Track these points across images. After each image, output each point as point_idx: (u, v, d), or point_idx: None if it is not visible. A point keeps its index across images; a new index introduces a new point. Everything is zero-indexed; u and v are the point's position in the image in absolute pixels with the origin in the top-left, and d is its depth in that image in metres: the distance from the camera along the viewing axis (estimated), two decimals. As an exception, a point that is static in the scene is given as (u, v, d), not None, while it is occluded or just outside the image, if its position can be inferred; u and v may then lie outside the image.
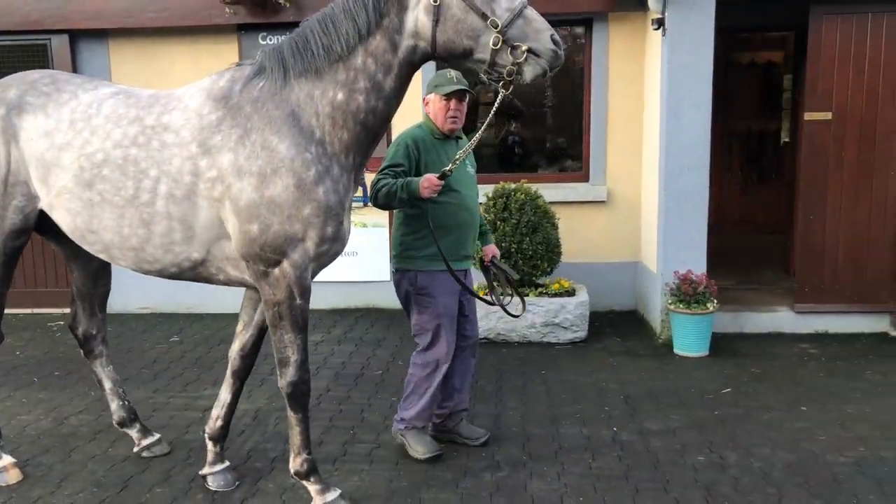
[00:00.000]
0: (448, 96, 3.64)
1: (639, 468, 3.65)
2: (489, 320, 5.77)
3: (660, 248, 5.72)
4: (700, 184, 5.56)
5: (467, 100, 3.71)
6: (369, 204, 3.84)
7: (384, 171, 3.58)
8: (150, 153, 3.15)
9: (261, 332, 3.53)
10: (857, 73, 5.60)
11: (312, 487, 3.28)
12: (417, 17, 2.97)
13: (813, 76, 5.66)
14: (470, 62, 3.02)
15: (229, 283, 3.31)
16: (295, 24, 3.27)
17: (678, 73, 5.45)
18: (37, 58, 6.68)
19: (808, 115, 5.71)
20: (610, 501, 3.34)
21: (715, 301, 5.43)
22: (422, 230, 3.62)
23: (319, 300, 6.77)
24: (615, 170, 6.57)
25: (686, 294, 5.36)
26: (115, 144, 3.20)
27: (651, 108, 6.06)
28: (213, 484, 3.51)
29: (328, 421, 4.33)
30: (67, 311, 4.52)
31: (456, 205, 3.66)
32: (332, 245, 3.15)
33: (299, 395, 3.22)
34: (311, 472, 3.28)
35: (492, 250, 4.00)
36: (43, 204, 3.39)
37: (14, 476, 3.62)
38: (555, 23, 6.16)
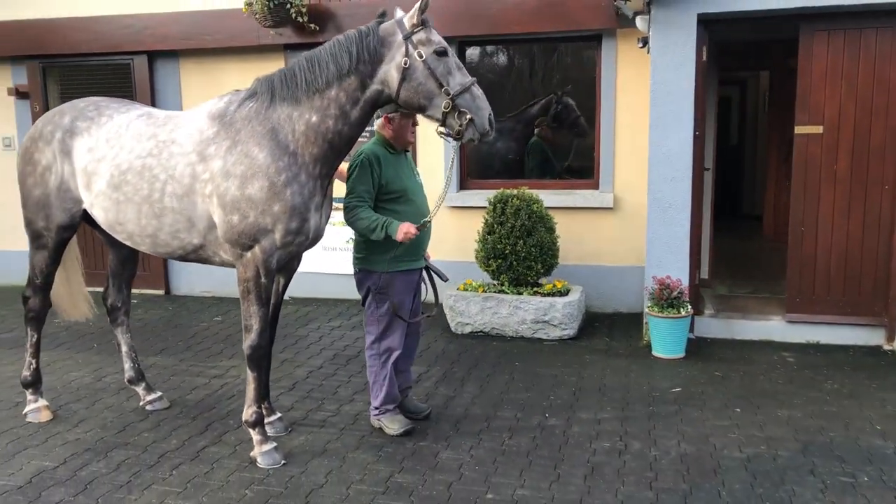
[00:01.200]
0: (408, 116, 4.21)
1: (544, 448, 4.11)
2: (484, 315, 6.30)
3: (647, 253, 6.02)
4: (682, 194, 5.83)
5: None
6: None
7: (357, 196, 4.08)
8: (161, 161, 3.98)
9: (276, 310, 4.26)
10: (849, 87, 5.67)
11: (255, 437, 3.99)
12: (389, 71, 3.72)
13: (804, 90, 5.79)
14: (423, 115, 3.83)
15: (223, 264, 4.08)
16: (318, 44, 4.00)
17: (660, 89, 5.75)
18: (123, 74, 7.85)
19: (798, 129, 5.84)
20: (501, 471, 3.84)
21: (689, 306, 5.70)
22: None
23: (326, 290, 7.58)
24: (622, 178, 6.90)
25: (661, 298, 5.67)
26: (136, 156, 4.05)
27: (650, 121, 6.36)
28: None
29: (306, 392, 5.04)
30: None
31: (412, 213, 4.19)
32: (295, 237, 3.86)
33: (256, 357, 3.95)
34: (256, 423, 3.99)
35: (427, 254, 4.51)
36: (86, 204, 4.30)
37: (45, 416, 4.58)
38: (566, 39, 6.66)
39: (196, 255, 4.12)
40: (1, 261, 8.48)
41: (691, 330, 6.11)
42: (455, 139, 3.77)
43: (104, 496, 3.63)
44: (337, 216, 7.42)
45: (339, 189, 4.36)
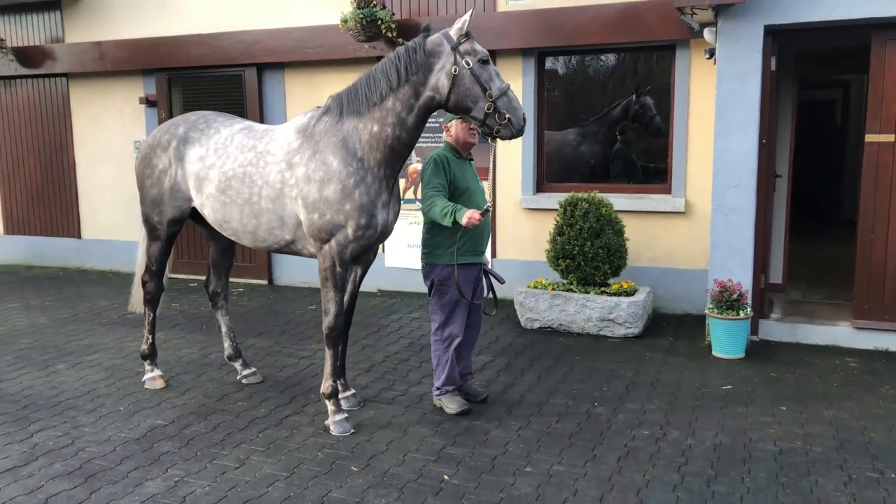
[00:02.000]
0: (465, 120, 4.70)
1: (587, 432, 4.48)
2: (552, 311, 6.67)
3: (710, 257, 6.22)
4: (746, 200, 5.99)
5: None
6: None
7: (432, 187, 4.60)
8: (259, 169, 4.65)
9: (353, 297, 4.87)
10: (921, 95, 5.67)
11: (329, 408, 4.57)
12: (440, 78, 4.26)
13: (875, 99, 5.83)
14: (468, 116, 4.36)
15: (311, 256, 4.69)
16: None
17: (726, 98, 5.94)
18: (235, 84, 8.72)
19: (869, 137, 5.88)
20: (543, 450, 4.24)
21: (749, 308, 5.87)
22: (444, 233, 4.71)
23: (410, 285, 8.12)
24: (694, 183, 7.08)
25: (720, 300, 5.87)
26: (239, 165, 4.74)
27: (720, 128, 6.54)
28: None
29: (380, 374, 5.60)
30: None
31: (476, 208, 4.66)
32: (365, 231, 4.42)
33: (332, 337, 4.53)
34: (331, 395, 4.56)
35: (485, 258, 4.95)
36: (196, 204, 5.02)
37: (159, 384, 5.35)
38: (641, 49, 6.94)
39: (288, 249, 4.76)
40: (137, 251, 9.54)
41: (755, 332, 6.27)
42: (493, 137, 4.29)
43: (202, 450, 4.29)
44: (420, 216, 8.02)
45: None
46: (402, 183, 8.06)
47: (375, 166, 4.39)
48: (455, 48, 4.20)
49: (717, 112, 5.98)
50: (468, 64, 4.17)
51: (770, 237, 6.87)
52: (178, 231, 5.29)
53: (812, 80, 10.59)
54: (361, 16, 7.29)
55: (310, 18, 8.20)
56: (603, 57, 7.65)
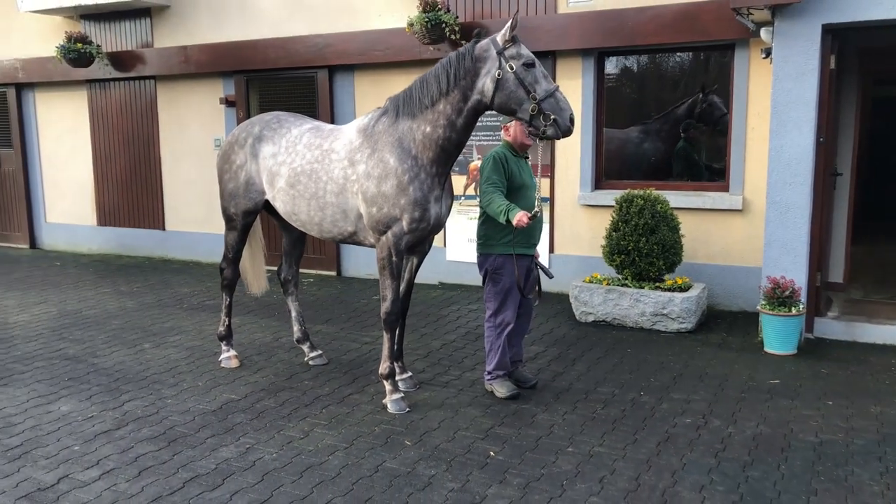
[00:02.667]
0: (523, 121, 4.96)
1: (630, 419, 4.68)
2: (606, 305, 6.85)
3: (764, 254, 6.28)
4: (801, 198, 6.04)
5: None
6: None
7: (490, 183, 4.87)
8: (324, 166, 5.03)
9: (409, 285, 5.19)
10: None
11: (387, 387, 4.91)
12: (485, 83, 4.53)
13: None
14: (514, 118, 4.63)
15: (372, 246, 5.04)
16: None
17: (781, 98, 5.99)
18: (308, 85, 9.19)
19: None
20: (586, 432, 4.47)
21: (801, 305, 5.92)
22: (498, 225, 4.97)
23: (470, 278, 8.40)
24: (752, 182, 7.13)
25: (772, 297, 5.94)
26: (307, 162, 5.13)
27: (778, 127, 6.58)
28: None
29: (437, 360, 5.91)
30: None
31: (525, 206, 4.91)
32: (419, 224, 4.74)
33: (389, 321, 4.87)
34: (388, 376, 4.90)
35: (536, 252, 5.19)
36: (268, 197, 5.44)
37: (234, 363, 5.80)
38: (701, 48, 7.04)
39: (351, 240, 5.12)
40: (215, 242, 10.15)
41: (810, 330, 6.30)
42: (540, 138, 4.49)
43: (271, 422, 4.70)
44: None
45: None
46: (462, 179, 8.36)
47: (428, 164, 4.69)
48: (500, 53, 4.45)
49: (773, 111, 6.05)
50: (512, 68, 4.40)
51: (829, 236, 6.86)
52: (252, 222, 5.72)
53: (886, 77, 10.34)
54: (426, 19, 7.62)
55: (378, 22, 8.58)
56: (662, 56, 7.75)
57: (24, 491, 3.84)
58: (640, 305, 6.70)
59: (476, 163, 8.32)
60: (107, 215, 11.05)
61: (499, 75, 4.44)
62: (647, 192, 6.88)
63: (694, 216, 7.32)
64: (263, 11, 9.35)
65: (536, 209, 4.79)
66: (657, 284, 6.80)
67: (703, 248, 7.37)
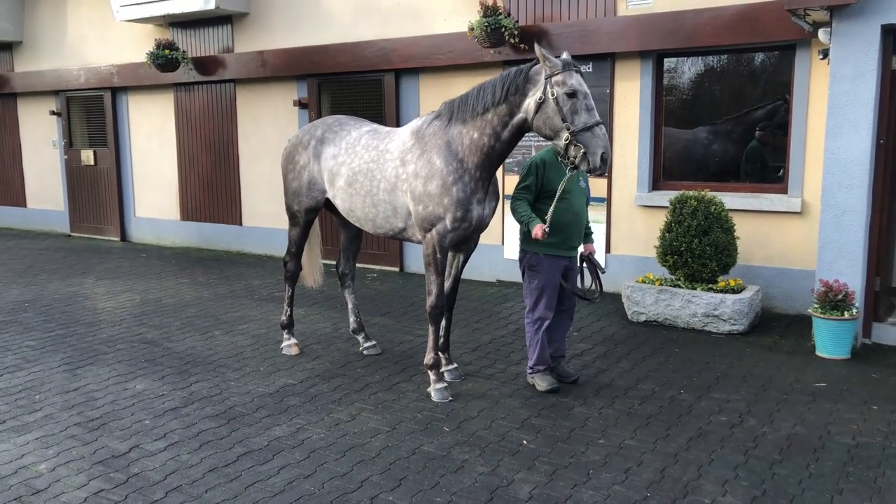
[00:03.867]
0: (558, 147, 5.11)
1: (666, 415, 4.78)
2: (658, 306, 6.91)
3: (818, 257, 6.22)
4: (858, 201, 5.95)
5: None
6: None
7: (520, 191, 5.08)
8: (379, 166, 5.35)
9: (455, 280, 5.43)
10: None
11: (431, 377, 5.17)
12: (529, 103, 4.72)
13: None
14: (552, 143, 4.76)
15: (419, 242, 5.32)
16: (529, 60, 5.06)
17: (838, 99, 5.93)
18: (375, 88, 9.55)
19: None
20: (619, 426, 4.60)
21: (854, 309, 5.84)
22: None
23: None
24: (812, 184, 7.04)
25: (824, 300, 5.89)
26: (364, 162, 5.45)
27: (837, 128, 6.48)
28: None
29: (484, 354, 6.13)
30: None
31: (565, 209, 5.02)
32: (461, 223, 4.98)
33: (435, 315, 5.14)
34: (433, 366, 5.17)
35: (590, 248, 5.34)
36: (329, 195, 5.79)
37: (294, 351, 6.19)
38: (760, 49, 7.01)
39: (402, 236, 5.40)
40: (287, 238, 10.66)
41: (868, 335, 6.21)
42: (571, 168, 4.64)
43: (322, 405, 5.03)
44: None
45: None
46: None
47: (473, 168, 4.91)
48: (548, 77, 4.60)
49: (829, 112, 5.99)
50: (554, 94, 4.54)
51: (893, 239, 6.70)
52: (313, 219, 6.08)
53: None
54: (486, 24, 7.84)
55: (442, 26, 8.85)
56: (721, 58, 7.72)
57: (100, 458, 4.29)
58: (691, 306, 6.73)
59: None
60: (189, 211, 11.74)
61: (541, 99, 4.60)
62: (701, 193, 6.89)
63: (751, 218, 7.27)
64: (334, 17, 9.77)
65: (547, 218, 4.83)
66: (710, 286, 6.81)
67: (761, 250, 7.32)
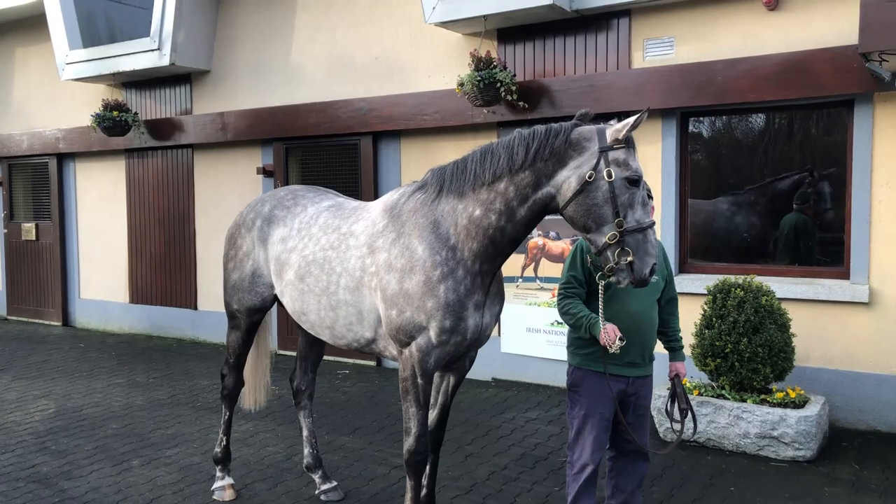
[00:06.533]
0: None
1: None
2: (699, 422, 5.47)
3: (909, 365, 4.87)
4: (960, 294, 4.64)
5: None
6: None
7: (566, 282, 3.74)
8: (339, 254, 3.96)
9: (443, 411, 4.04)
10: None
11: (410, 552, 3.68)
12: (569, 178, 3.33)
13: None
14: (584, 236, 3.40)
15: (395, 359, 3.91)
16: (539, 121, 3.70)
17: (928, 165, 4.68)
18: (351, 153, 8.29)
19: None
20: None
21: (969, 439, 4.45)
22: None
23: (530, 374, 7.19)
24: (881, 266, 5.74)
25: (927, 425, 4.50)
26: (320, 248, 4.06)
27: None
28: None
29: (482, 498, 4.65)
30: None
31: (620, 310, 3.64)
32: (451, 336, 3.56)
33: (413, 463, 3.69)
34: (410, 534, 3.68)
35: (675, 367, 3.94)
36: (277, 292, 4.40)
37: (229, 495, 4.67)
38: (809, 106, 5.79)
39: (370, 349, 3.97)
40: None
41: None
42: (603, 276, 3.36)
43: None
44: (544, 296, 7.10)
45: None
46: (520, 259, 7.20)
47: (470, 258, 3.54)
48: (604, 150, 3.27)
49: (917, 181, 4.72)
50: (611, 175, 3.23)
51: None
52: (259, 320, 4.68)
53: None
54: (479, 78, 6.62)
55: (427, 84, 7.66)
56: (759, 116, 6.51)
57: None
58: (741, 424, 5.31)
59: (536, 240, 7.16)
60: (139, 293, 10.29)
61: (590, 177, 3.26)
62: (748, 279, 5.57)
63: (804, 309, 5.93)
64: (305, 74, 8.58)
65: (619, 340, 3.47)
66: (763, 397, 5.41)
67: (818, 348, 5.95)
